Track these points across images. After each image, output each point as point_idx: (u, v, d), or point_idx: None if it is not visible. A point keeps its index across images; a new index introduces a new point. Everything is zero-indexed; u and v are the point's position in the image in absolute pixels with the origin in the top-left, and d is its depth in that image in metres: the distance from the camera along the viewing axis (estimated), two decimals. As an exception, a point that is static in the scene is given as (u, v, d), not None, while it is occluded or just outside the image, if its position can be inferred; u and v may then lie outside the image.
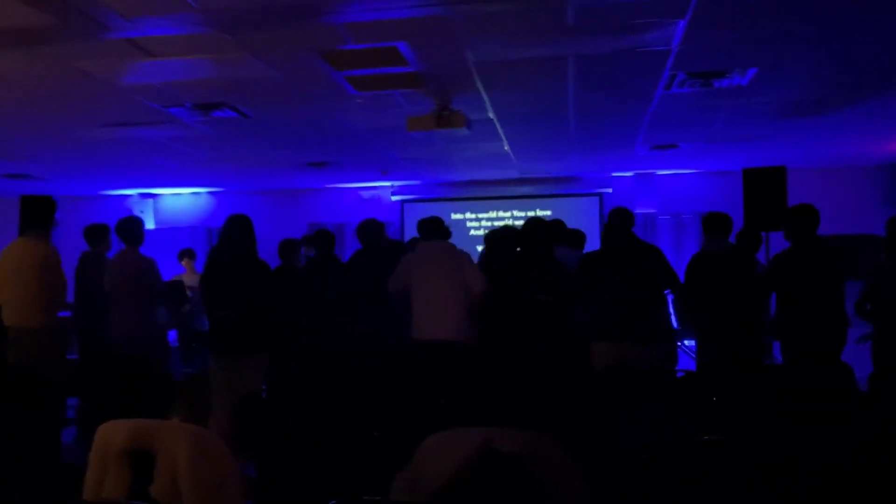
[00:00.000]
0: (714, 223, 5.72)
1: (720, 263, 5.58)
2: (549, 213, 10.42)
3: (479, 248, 6.01)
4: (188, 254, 9.17)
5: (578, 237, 6.60)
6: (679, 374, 5.43)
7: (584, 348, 5.33)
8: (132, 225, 6.04)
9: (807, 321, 5.27)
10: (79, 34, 4.38)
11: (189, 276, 8.73)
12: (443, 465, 2.42)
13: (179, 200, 11.83)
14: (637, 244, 5.50)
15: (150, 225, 11.55)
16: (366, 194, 11.43)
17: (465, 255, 5.50)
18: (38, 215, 5.37)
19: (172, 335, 7.45)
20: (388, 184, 11.12)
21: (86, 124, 6.78)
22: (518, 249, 5.58)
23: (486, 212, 10.63)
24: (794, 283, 5.32)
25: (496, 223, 10.10)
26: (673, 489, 2.60)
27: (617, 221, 5.42)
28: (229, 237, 5.28)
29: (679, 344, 7.46)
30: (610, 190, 10.57)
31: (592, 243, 6.97)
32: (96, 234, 6.45)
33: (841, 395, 4.06)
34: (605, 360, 5.12)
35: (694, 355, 6.21)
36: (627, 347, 5.13)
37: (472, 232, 10.59)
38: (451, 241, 5.79)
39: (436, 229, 5.71)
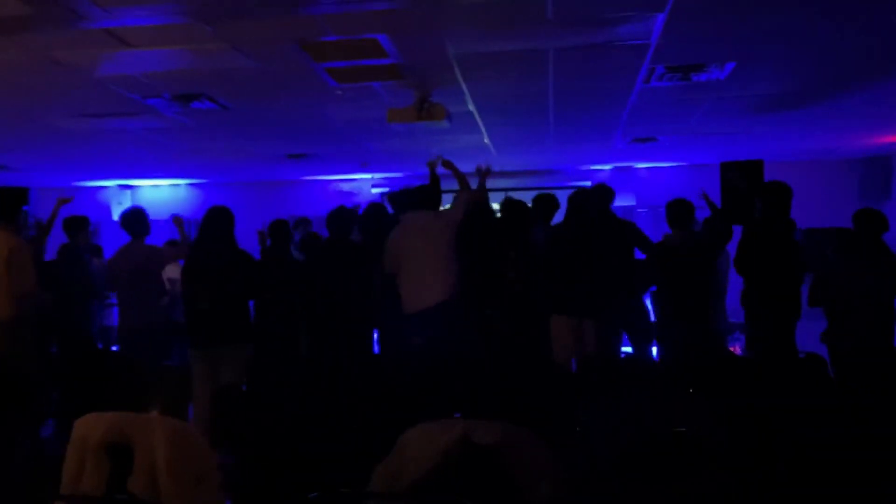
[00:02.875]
0: (676, 213, 5.85)
1: (684, 255, 5.69)
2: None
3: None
4: (173, 244, 9.08)
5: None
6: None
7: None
8: (134, 217, 6.03)
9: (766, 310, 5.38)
10: (54, 23, 4.33)
11: (171, 267, 8.67)
12: (422, 456, 2.44)
13: (158, 192, 11.75)
14: (610, 222, 5.65)
15: (128, 217, 11.47)
16: (346, 187, 11.42)
17: (446, 215, 5.56)
18: (3, 207, 5.32)
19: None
20: (368, 176, 11.11)
21: (62, 115, 6.70)
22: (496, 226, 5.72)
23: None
24: (757, 270, 5.43)
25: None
26: (647, 481, 2.63)
27: (581, 202, 5.60)
28: (210, 229, 5.26)
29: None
30: (589, 183, 10.61)
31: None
32: (75, 226, 6.40)
33: (815, 386, 4.12)
34: (563, 335, 5.29)
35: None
36: (586, 324, 5.29)
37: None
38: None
39: (414, 200, 5.71)
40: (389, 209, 6.52)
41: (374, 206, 6.39)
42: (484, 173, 6.09)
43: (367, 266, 5.70)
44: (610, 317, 5.87)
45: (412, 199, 5.77)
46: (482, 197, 6.07)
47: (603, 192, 6.21)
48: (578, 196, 5.96)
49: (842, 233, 5.70)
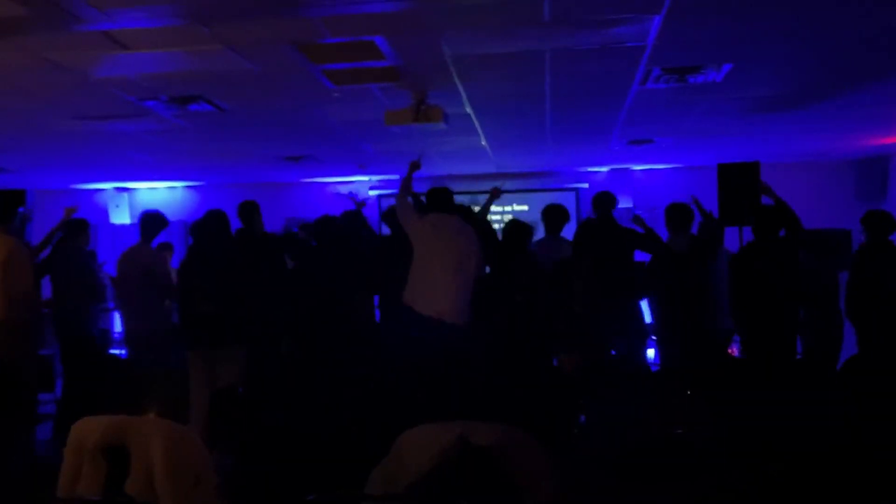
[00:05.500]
0: (675, 217, 5.82)
1: (685, 259, 5.67)
2: (525, 207, 10.46)
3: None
4: (166, 247, 9.09)
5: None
6: (654, 369, 5.51)
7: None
8: (146, 219, 6.10)
9: (760, 319, 5.35)
10: (52, 25, 4.32)
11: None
12: (420, 458, 2.44)
13: (155, 195, 11.73)
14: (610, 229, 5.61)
15: (125, 219, 11.47)
16: (344, 189, 11.41)
17: (473, 234, 5.38)
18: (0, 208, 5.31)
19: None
20: (365, 178, 11.10)
21: (59, 117, 6.69)
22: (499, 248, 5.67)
23: (464, 206, 10.65)
24: (747, 281, 5.41)
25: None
26: (645, 481, 2.63)
27: (585, 237, 5.61)
28: (207, 232, 5.26)
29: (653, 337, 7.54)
30: (586, 185, 10.63)
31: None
32: (76, 228, 6.38)
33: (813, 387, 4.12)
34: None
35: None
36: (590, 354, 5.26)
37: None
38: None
39: (450, 203, 5.57)
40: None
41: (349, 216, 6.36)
42: (492, 195, 6.35)
43: (357, 270, 5.69)
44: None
45: (432, 203, 5.63)
46: (484, 219, 6.17)
47: (603, 199, 6.20)
48: (583, 231, 6.03)
49: (824, 233, 5.74)
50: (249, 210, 6.13)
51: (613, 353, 6.14)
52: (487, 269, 5.59)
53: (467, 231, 5.39)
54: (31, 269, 5.30)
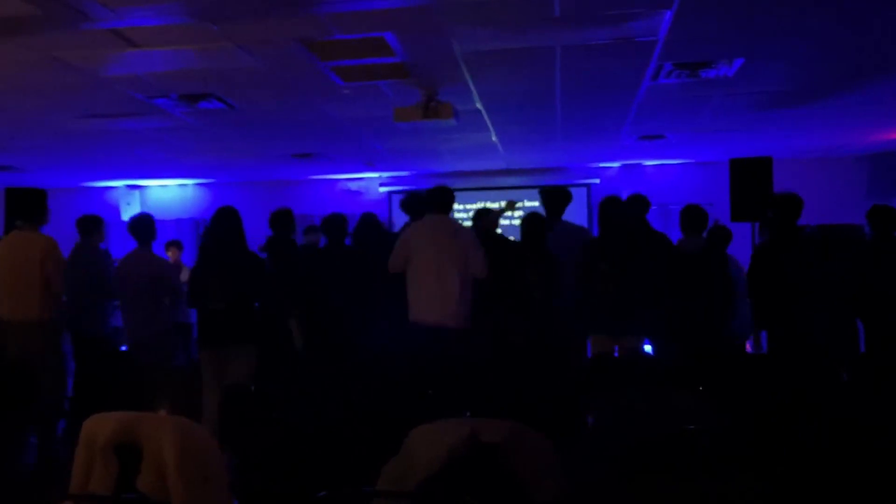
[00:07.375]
0: (691, 218, 5.68)
1: (696, 261, 5.59)
2: (536, 204, 10.43)
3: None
4: (175, 244, 9.12)
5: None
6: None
7: (574, 338, 5.41)
8: (142, 223, 6.00)
9: (791, 314, 5.29)
10: (61, 24, 4.34)
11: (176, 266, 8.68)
12: (430, 455, 2.43)
13: (166, 192, 11.78)
14: (641, 235, 5.55)
15: (136, 217, 11.52)
16: (353, 186, 11.42)
17: (469, 236, 5.36)
18: (33, 208, 5.32)
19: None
20: (375, 175, 11.11)
21: (69, 115, 6.72)
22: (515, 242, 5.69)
23: (474, 202, 10.63)
24: (775, 276, 5.33)
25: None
26: (653, 479, 2.62)
27: (613, 212, 5.45)
28: (220, 229, 5.26)
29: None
30: (597, 180, 10.60)
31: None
32: (90, 225, 6.39)
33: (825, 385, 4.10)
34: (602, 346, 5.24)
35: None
36: (623, 340, 5.21)
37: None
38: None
39: (440, 202, 5.54)
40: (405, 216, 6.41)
41: (367, 217, 6.31)
42: (506, 208, 6.42)
43: (363, 270, 5.68)
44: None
45: (429, 203, 5.63)
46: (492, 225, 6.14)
47: (639, 203, 5.94)
48: (610, 207, 5.57)
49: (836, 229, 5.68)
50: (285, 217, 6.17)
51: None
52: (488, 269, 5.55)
53: (463, 232, 5.38)
54: (63, 269, 5.31)
